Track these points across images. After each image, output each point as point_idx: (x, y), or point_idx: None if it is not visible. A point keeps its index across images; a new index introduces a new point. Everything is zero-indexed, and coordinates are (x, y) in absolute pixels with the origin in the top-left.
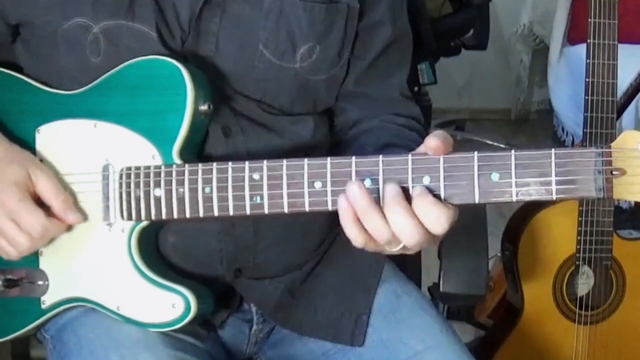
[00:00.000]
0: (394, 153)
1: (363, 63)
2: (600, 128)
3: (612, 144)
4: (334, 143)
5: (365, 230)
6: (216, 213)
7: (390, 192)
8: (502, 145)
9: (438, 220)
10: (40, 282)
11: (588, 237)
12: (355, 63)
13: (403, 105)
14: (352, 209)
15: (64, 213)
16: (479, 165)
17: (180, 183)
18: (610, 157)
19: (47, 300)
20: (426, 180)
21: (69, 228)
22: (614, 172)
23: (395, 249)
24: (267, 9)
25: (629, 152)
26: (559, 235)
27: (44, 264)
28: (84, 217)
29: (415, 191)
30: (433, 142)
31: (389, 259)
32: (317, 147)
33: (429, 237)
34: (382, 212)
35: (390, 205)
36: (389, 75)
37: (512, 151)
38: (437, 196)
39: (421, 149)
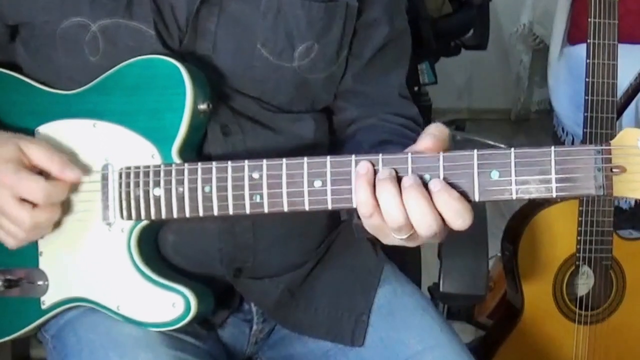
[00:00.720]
0: (389, 150)
1: (360, 61)
2: (600, 128)
3: (612, 142)
4: (332, 142)
5: (377, 204)
6: (216, 212)
7: (409, 180)
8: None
9: (459, 214)
10: (40, 282)
11: (588, 237)
12: (352, 61)
13: (401, 105)
14: (372, 174)
15: (62, 172)
16: (478, 164)
17: (180, 182)
18: (610, 154)
19: (47, 300)
20: (426, 178)
21: (68, 224)
22: (613, 170)
23: (398, 237)
24: (265, 8)
25: (629, 150)
26: (559, 235)
27: (43, 264)
28: (84, 171)
29: (435, 185)
30: (423, 144)
31: (389, 259)
32: (317, 147)
33: (444, 230)
34: (401, 195)
35: (410, 190)
36: (387, 74)
37: (512, 149)
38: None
39: (416, 146)
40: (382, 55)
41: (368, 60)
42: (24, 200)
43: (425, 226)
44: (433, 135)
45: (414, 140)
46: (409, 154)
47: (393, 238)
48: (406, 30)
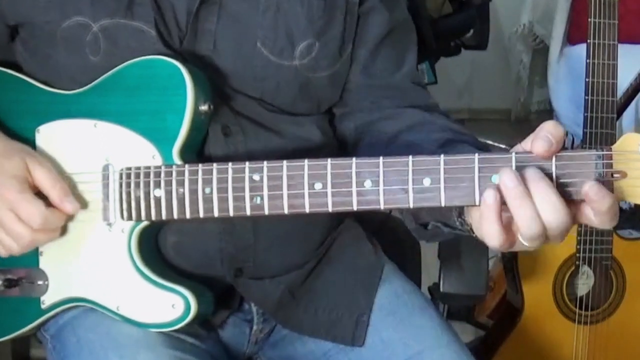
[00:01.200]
0: (459, 150)
1: (364, 52)
2: (600, 128)
3: (613, 147)
4: (348, 141)
5: (507, 227)
6: (216, 214)
7: (534, 175)
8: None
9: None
10: (40, 282)
11: (588, 237)
12: (356, 54)
13: (416, 93)
14: (500, 202)
15: (61, 202)
16: (479, 167)
17: (181, 183)
18: (611, 159)
19: (47, 300)
20: (426, 181)
21: (69, 224)
22: (614, 175)
23: (535, 244)
24: (265, 6)
25: (630, 155)
26: None
27: (43, 263)
28: (82, 205)
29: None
30: (539, 147)
31: (389, 259)
32: (321, 150)
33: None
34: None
35: (538, 190)
36: (396, 64)
37: (513, 153)
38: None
39: (526, 145)
40: (387, 46)
41: (374, 51)
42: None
43: (558, 225)
44: (548, 140)
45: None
46: (410, 157)
47: (525, 246)
48: (408, 19)
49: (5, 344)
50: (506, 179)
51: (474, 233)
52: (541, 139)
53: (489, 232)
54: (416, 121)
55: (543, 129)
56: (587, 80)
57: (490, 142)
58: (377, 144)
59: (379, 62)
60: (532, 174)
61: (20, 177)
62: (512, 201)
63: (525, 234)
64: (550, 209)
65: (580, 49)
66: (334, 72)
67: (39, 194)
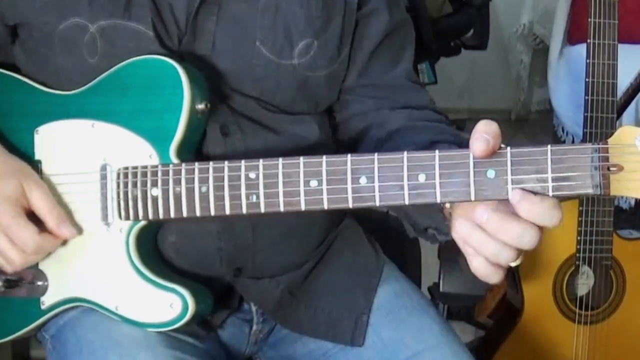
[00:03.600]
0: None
1: (363, 54)
2: (600, 128)
3: (609, 140)
4: (349, 144)
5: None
6: (213, 212)
7: (484, 214)
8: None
9: (552, 214)
10: (39, 283)
11: (588, 237)
12: (354, 54)
13: (413, 92)
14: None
15: (58, 228)
16: (474, 163)
17: (177, 182)
18: (607, 153)
19: (47, 300)
20: (422, 177)
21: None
22: (611, 168)
23: (517, 262)
24: (264, 6)
25: (626, 148)
26: (559, 235)
27: (43, 264)
28: (79, 230)
29: (514, 196)
30: (478, 148)
31: (389, 259)
32: (320, 148)
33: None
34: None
35: (489, 223)
36: (393, 63)
37: (508, 148)
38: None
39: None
40: (386, 46)
41: (371, 53)
42: None
43: (529, 241)
44: (484, 139)
45: (453, 135)
46: (405, 154)
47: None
48: (407, 20)
49: (6, 344)
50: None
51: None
52: (477, 140)
53: (477, 268)
54: (403, 126)
55: (477, 131)
56: (587, 80)
57: None
58: (366, 150)
59: (375, 62)
60: (478, 215)
61: (15, 200)
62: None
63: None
64: (510, 238)
65: (580, 49)
66: (331, 71)
67: (33, 216)
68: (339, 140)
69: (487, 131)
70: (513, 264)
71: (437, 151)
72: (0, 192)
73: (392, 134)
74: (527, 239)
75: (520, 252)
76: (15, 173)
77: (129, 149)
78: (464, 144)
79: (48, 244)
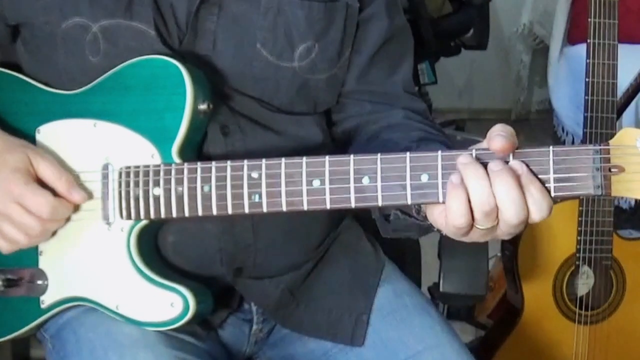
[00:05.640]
0: (432, 148)
1: (362, 58)
2: (601, 128)
3: (611, 141)
4: (343, 142)
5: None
6: (215, 212)
7: (498, 165)
8: None
9: (542, 203)
10: (39, 282)
11: (588, 237)
12: (354, 59)
13: (408, 101)
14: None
15: (68, 192)
16: None
17: (179, 182)
18: (609, 154)
19: (47, 300)
20: (424, 177)
21: (68, 224)
22: (612, 170)
23: (481, 227)
24: (265, 8)
25: (628, 150)
26: (559, 235)
27: (43, 263)
28: (89, 195)
29: (518, 167)
30: (497, 144)
31: (389, 259)
32: (320, 148)
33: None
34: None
35: (498, 175)
36: (392, 71)
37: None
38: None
39: (484, 144)
40: (385, 52)
41: (370, 58)
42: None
43: (514, 213)
44: (502, 136)
45: (445, 137)
46: (408, 154)
47: (478, 233)
48: (406, 26)
49: (6, 344)
50: (462, 158)
51: (427, 220)
52: (496, 136)
53: (452, 208)
54: (397, 122)
55: (494, 131)
56: (587, 80)
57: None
58: (359, 144)
59: (374, 68)
60: (492, 164)
61: (23, 170)
62: (469, 180)
63: (480, 210)
64: (504, 190)
65: (580, 48)
66: (331, 74)
67: (43, 186)
68: (332, 135)
69: (504, 130)
70: (482, 236)
71: (439, 151)
72: (8, 164)
73: (384, 128)
74: (515, 206)
75: (495, 221)
76: (19, 147)
77: (131, 148)
78: (454, 148)
79: (62, 207)
